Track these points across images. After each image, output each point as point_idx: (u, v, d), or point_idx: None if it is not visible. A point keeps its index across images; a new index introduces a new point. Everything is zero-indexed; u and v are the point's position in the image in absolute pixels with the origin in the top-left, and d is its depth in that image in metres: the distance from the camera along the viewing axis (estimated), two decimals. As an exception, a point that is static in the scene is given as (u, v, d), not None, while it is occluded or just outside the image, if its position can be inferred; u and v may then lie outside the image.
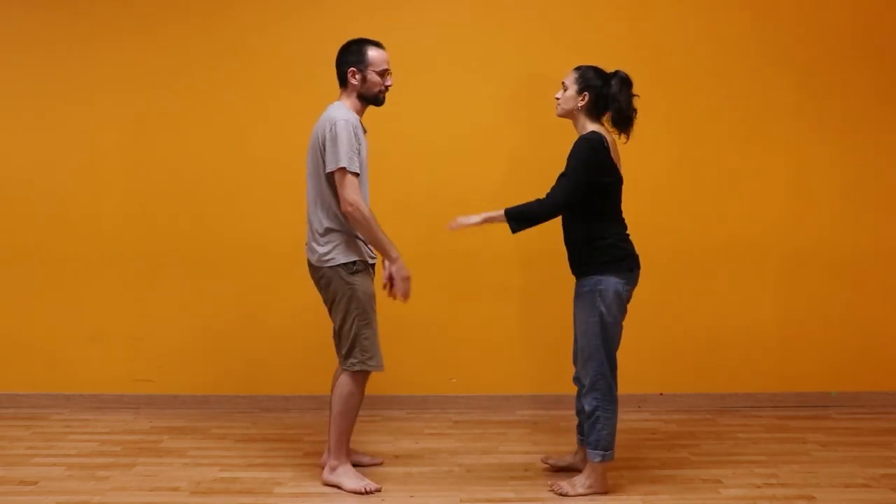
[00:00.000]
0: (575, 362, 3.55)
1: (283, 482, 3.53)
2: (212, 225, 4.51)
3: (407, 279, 3.40)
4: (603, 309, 3.30)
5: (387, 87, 3.47)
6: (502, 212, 3.31)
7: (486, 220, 3.34)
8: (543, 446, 3.97)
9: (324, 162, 3.35)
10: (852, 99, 4.50)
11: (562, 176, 3.32)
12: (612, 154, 3.32)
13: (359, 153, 3.34)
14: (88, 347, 4.56)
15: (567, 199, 3.28)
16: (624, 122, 3.36)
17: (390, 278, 3.42)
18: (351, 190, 3.29)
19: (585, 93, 3.35)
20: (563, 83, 3.41)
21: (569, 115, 3.40)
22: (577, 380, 3.52)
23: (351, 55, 3.44)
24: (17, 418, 4.40)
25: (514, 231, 3.32)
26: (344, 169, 3.28)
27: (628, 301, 3.38)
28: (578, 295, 3.37)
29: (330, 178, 3.35)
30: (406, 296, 3.42)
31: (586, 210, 3.33)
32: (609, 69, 3.41)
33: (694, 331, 4.55)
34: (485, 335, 4.54)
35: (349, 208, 3.29)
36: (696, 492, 3.40)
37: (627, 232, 3.42)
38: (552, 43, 4.42)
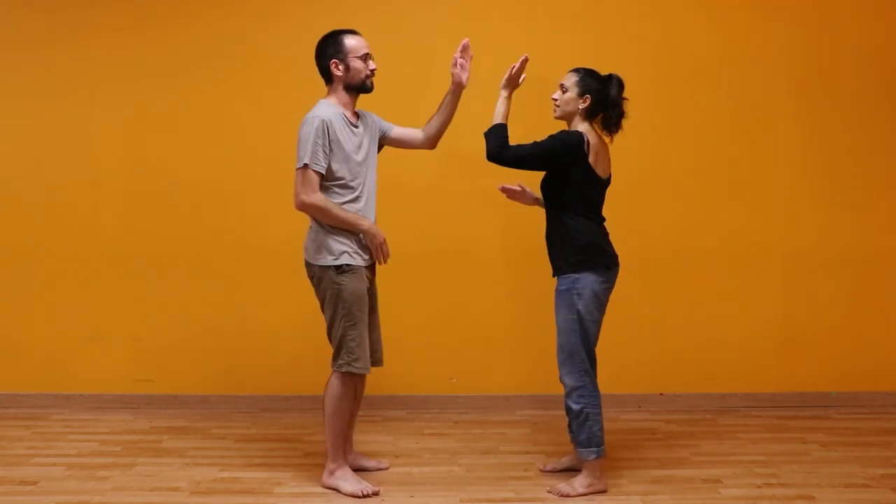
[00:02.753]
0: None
1: (283, 482, 3.53)
2: (211, 225, 4.51)
3: (380, 244, 3.37)
4: (580, 307, 3.31)
5: (372, 72, 3.41)
6: (501, 121, 3.40)
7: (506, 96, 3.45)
8: (543, 446, 3.97)
9: None
10: (852, 99, 4.49)
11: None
12: (594, 156, 3.32)
13: (330, 149, 3.29)
14: (88, 347, 4.56)
15: (519, 154, 3.30)
16: (616, 124, 3.37)
17: (367, 248, 3.40)
18: (302, 188, 3.29)
19: (587, 95, 3.35)
20: (561, 85, 3.40)
21: (568, 116, 3.40)
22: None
23: (328, 48, 3.38)
24: (17, 418, 4.40)
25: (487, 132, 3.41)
26: (305, 166, 3.27)
27: (607, 300, 3.40)
28: (557, 293, 3.38)
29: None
30: (386, 257, 3.40)
31: (562, 207, 3.34)
32: (609, 69, 3.41)
33: (694, 331, 4.54)
34: (485, 335, 4.54)
35: (301, 206, 3.32)
36: (696, 492, 3.40)
37: (606, 232, 3.43)
38: (552, 43, 4.41)
